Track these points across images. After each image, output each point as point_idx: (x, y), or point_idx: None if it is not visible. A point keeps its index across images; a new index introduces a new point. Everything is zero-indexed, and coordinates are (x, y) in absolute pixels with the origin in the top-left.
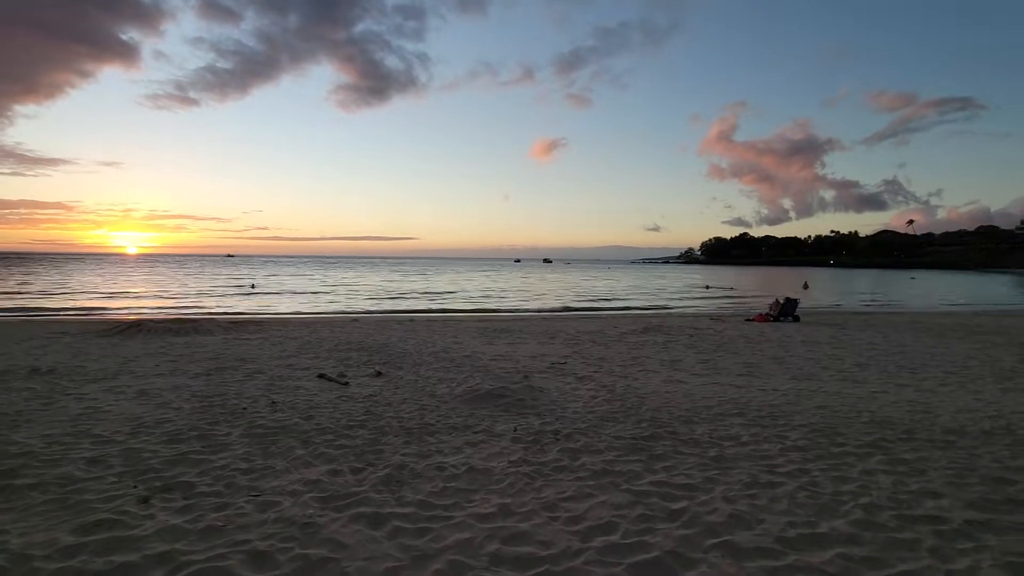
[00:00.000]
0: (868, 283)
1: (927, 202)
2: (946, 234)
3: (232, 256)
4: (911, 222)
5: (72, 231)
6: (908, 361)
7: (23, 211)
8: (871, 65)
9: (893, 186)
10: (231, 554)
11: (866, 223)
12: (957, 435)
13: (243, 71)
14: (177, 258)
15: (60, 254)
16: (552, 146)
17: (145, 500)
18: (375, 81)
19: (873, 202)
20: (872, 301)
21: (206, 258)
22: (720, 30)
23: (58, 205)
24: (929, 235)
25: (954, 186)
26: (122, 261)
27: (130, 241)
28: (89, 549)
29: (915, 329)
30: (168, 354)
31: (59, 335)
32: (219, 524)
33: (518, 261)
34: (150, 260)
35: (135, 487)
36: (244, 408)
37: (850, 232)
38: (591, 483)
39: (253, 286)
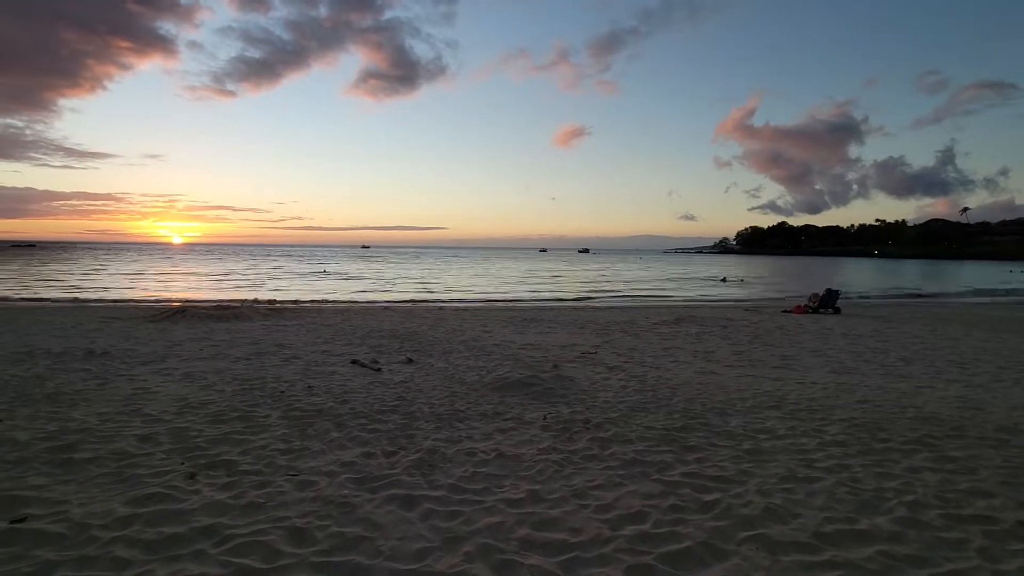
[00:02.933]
0: (920, 276)
1: (992, 182)
2: (1004, 223)
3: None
4: (965, 210)
5: (122, 222)
6: (958, 356)
7: (75, 202)
8: (919, 45)
9: (944, 172)
10: (272, 529)
11: (914, 212)
12: (1011, 433)
13: (275, 60)
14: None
15: (115, 243)
16: (581, 132)
17: (192, 476)
18: (404, 69)
19: (921, 189)
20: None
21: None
22: (765, 7)
23: (108, 196)
24: (984, 224)
25: (1014, 172)
26: (192, 250)
27: (176, 231)
28: (142, 520)
29: (965, 322)
30: (210, 339)
31: (111, 320)
32: (261, 501)
33: (544, 251)
34: (219, 250)
35: (182, 464)
36: (282, 391)
37: (896, 221)
38: (621, 472)
39: (326, 271)
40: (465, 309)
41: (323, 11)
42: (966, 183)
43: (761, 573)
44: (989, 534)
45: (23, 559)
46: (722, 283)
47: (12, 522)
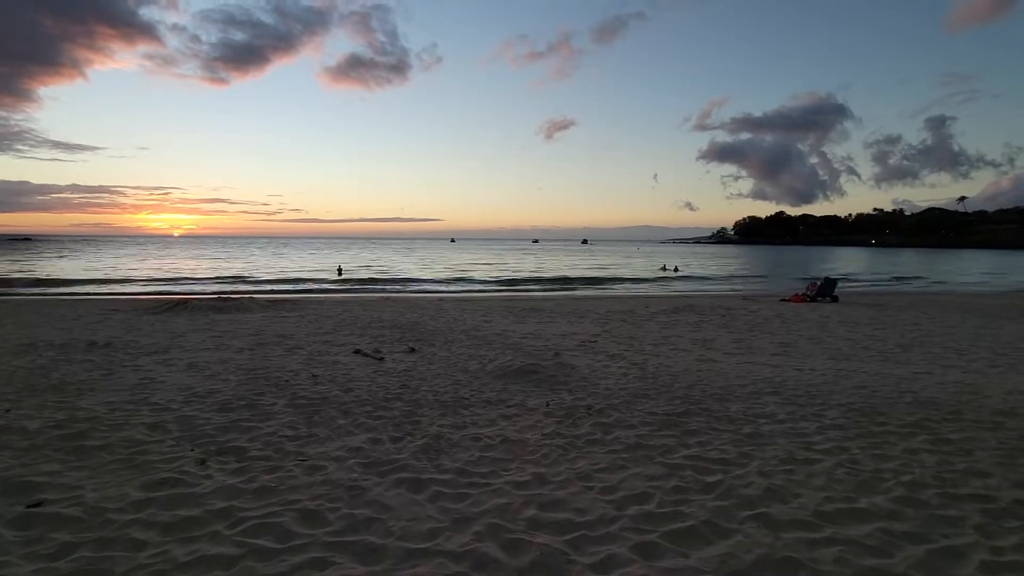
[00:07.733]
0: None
1: (996, 165)
2: (1000, 211)
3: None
4: (962, 199)
5: (116, 215)
6: (955, 342)
7: (68, 195)
8: (894, 41)
9: (940, 159)
10: (284, 511)
11: (910, 201)
12: (1008, 416)
13: (261, 44)
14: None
15: (111, 236)
16: (568, 124)
17: (202, 462)
18: (396, 57)
19: (917, 178)
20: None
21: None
22: None
23: (101, 189)
24: (981, 212)
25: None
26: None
27: (171, 224)
28: (156, 504)
29: (963, 309)
30: (212, 330)
31: (112, 312)
32: (272, 485)
33: (536, 242)
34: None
35: (192, 450)
36: (287, 381)
37: (894, 210)
38: (625, 456)
39: (340, 271)
40: (465, 300)
41: None
42: (968, 166)
43: (763, 549)
44: (986, 512)
45: (42, 542)
46: (673, 272)
47: (29, 507)
